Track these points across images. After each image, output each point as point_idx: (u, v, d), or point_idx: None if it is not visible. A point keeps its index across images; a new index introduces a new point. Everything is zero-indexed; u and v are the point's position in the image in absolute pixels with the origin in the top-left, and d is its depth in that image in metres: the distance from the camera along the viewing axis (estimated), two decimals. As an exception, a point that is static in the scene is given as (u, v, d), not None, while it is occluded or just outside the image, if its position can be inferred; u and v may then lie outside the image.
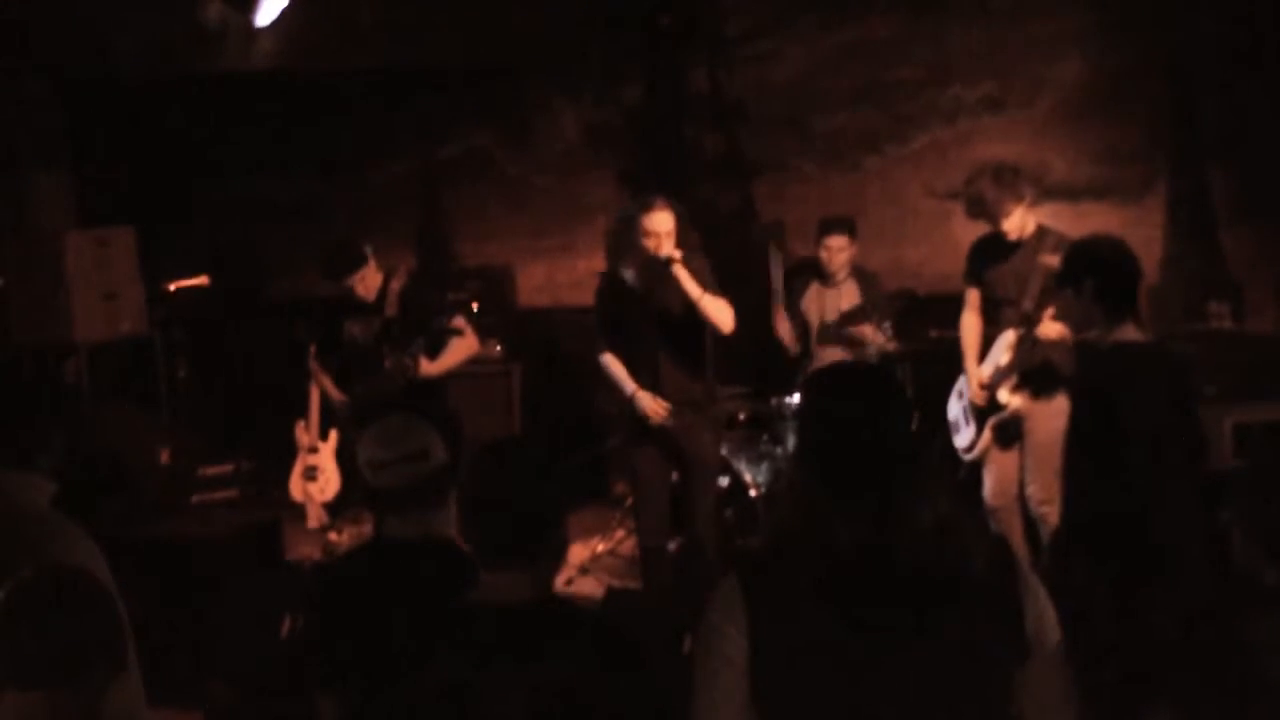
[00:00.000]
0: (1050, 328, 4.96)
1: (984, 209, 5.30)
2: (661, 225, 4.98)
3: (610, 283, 5.31)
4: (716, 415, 5.52)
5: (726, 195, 7.87)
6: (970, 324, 5.45)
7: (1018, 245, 5.18)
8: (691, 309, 5.08)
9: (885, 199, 7.50)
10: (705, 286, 5.08)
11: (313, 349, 6.06)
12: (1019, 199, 5.12)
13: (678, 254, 4.99)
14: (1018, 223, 5.15)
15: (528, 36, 7.77)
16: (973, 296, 5.44)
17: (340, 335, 5.77)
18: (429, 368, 5.53)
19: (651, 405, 5.15)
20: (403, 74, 7.99)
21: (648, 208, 5.01)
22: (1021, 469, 5.24)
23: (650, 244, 4.99)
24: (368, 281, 5.62)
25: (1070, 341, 4.78)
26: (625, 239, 5.13)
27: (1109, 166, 6.92)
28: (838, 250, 6.27)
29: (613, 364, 5.27)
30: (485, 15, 7.56)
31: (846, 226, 6.32)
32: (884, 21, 7.43)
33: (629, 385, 5.20)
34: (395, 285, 5.68)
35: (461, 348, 5.65)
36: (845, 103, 7.57)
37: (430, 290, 6.21)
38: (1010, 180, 5.14)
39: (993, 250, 5.29)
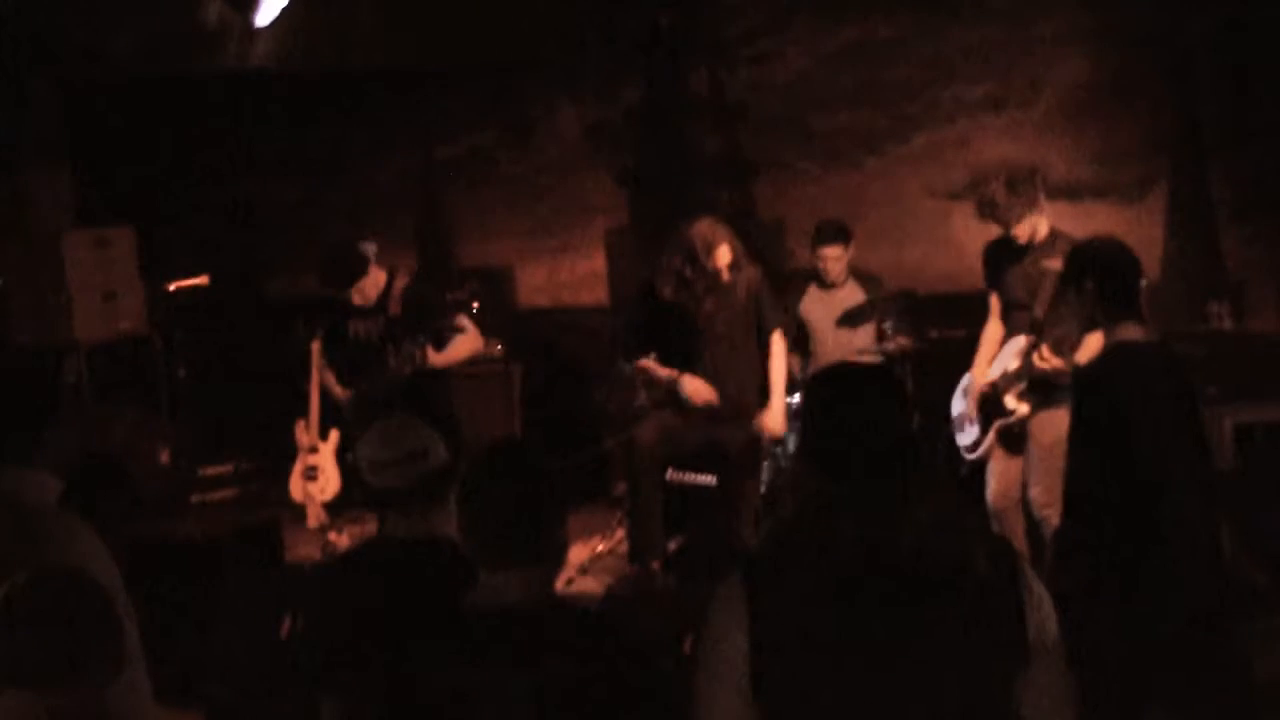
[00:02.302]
0: (1047, 360, 4.96)
1: (995, 214, 5.26)
2: (723, 259, 5.33)
3: (648, 298, 5.56)
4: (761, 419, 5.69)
5: (726, 195, 7.88)
6: (992, 333, 5.37)
7: (1029, 249, 5.15)
8: (741, 321, 5.42)
9: (885, 199, 7.50)
10: (765, 296, 5.51)
11: (316, 345, 6.07)
12: (1032, 206, 5.08)
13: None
14: (1029, 229, 5.12)
15: (528, 36, 7.76)
16: (994, 303, 5.37)
17: (345, 332, 5.78)
18: (435, 358, 5.52)
19: (697, 387, 5.36)
20: (403, 74, 7.98)
21: (712, 246, 5.30)
22: (1024, 471, 5.22)
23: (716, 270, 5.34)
24: (365, 290, 5.62)
25: (1066, 371, 4.80)
26: (674, 259, 5.40)
27: (1109, 166, 6.93)
28: (834, 260, 6.27)
29: (649, 364, 5.57)
30: (485, 15, 7.55)
31: (841, 235, 6.29)
32: (884, 21, 7.43)
33: (670, 372, 5.49)
34: (398, 284, 5.68)
35: (466, 344, 5.67)
36: (845, 103, 7.57)
37: (432, 290, 6.22)
38: (1024, 189, 5.08)
39: (1004, 254, 5.24)
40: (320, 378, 6.15)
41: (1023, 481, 5.23)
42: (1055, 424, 4.91)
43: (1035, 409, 5.13)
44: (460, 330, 5.64)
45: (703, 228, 5.32)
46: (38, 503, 2.58)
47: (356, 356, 5.75)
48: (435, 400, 5.54)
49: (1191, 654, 3.29)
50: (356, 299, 5.64)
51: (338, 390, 5.91)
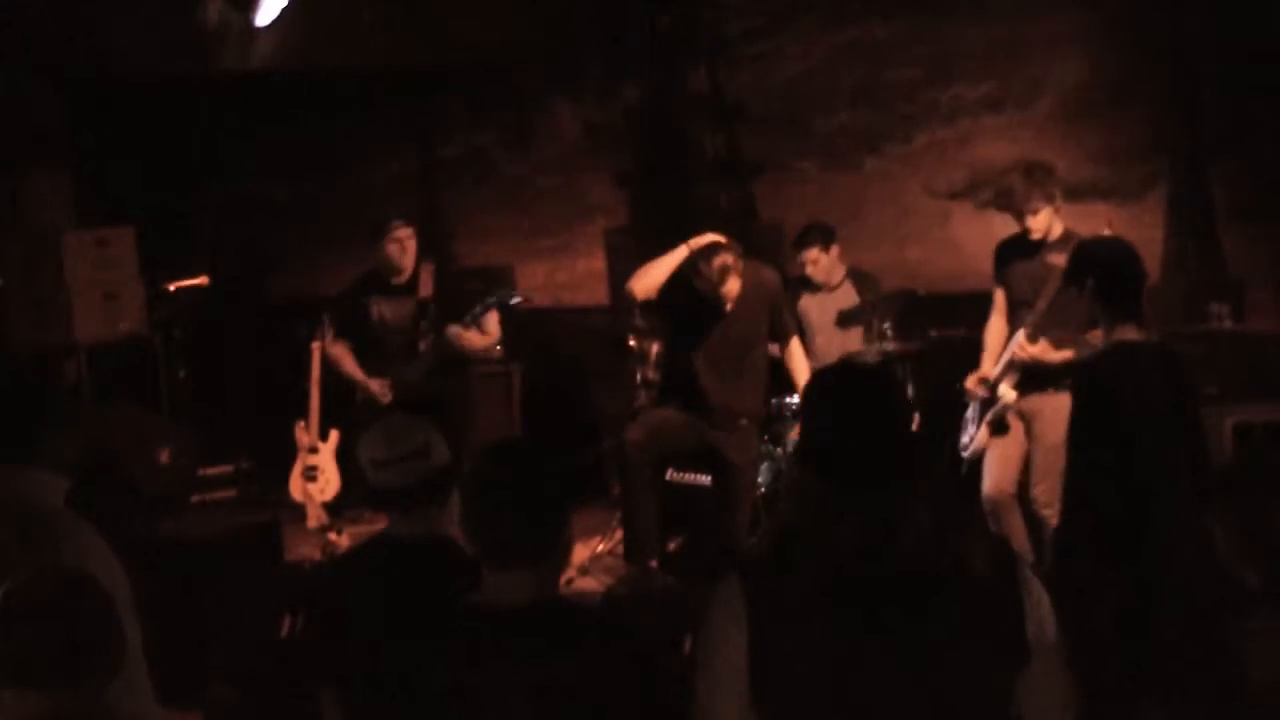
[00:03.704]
0: (1025, 350, 5.04)
1: (1011, 203, 5.30)
2: (730, 290, 5.36)
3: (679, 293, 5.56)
4: (759, 425, 5.75)
5: (726, 195, 7.87)
6: (994, 328, 5.40)
7: (1040, 247, 5.16)
8: (747, 326, 5.47)
9: (885, 199, 7.50)
10: (782, 303, 5.62)
11: (316, 346, 6.08)
12: (1048, 199, 5.10)
13: None
14: (1043, 223, 5.13)
15: (528, 36, 7.77)
16: (998, 298, 5.40)
17: (367, 317, 5.76)
18: (476, 340, 5.64)
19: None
20: (403, 74, 7.98)
21: (721, 278, 5.32)
22: (1024, 468, 5.23)
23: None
24: (405, 244, 5.69)
25: (1047, 360, 4.93)
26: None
27: (1109, 166, 6.92)
28: (811, 262, 6.27)
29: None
30: (486, 15, 7.56)
31: (819, 237, 6.27)
32: (884, 21, 7.43)
33: None
34: (425, 269, 5.74)
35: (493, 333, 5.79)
36: (845, 103, 7.57)
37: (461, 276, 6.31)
38: (1042, 179, 5.13)
39: (1015, 251, 5.27)
40: (339, 365, 6.04)
41: (1020, 476, 5.24)
42: (1059, 424, 4.92)
43: (1038, 407, 5.14)
44: (517, 300, 5.77)
45: (717, 261, 5.33)
46: (43, 503, 2.58)
47: (383, 341, 5.76)
48: (457, 390, 5.68)
49: (1186, 653, 3.30)
50: (394, 250, 5.66)
51: (361, 378, 5.84)
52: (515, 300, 5.70)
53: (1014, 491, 5.26)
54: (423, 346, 5.62)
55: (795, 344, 5.67)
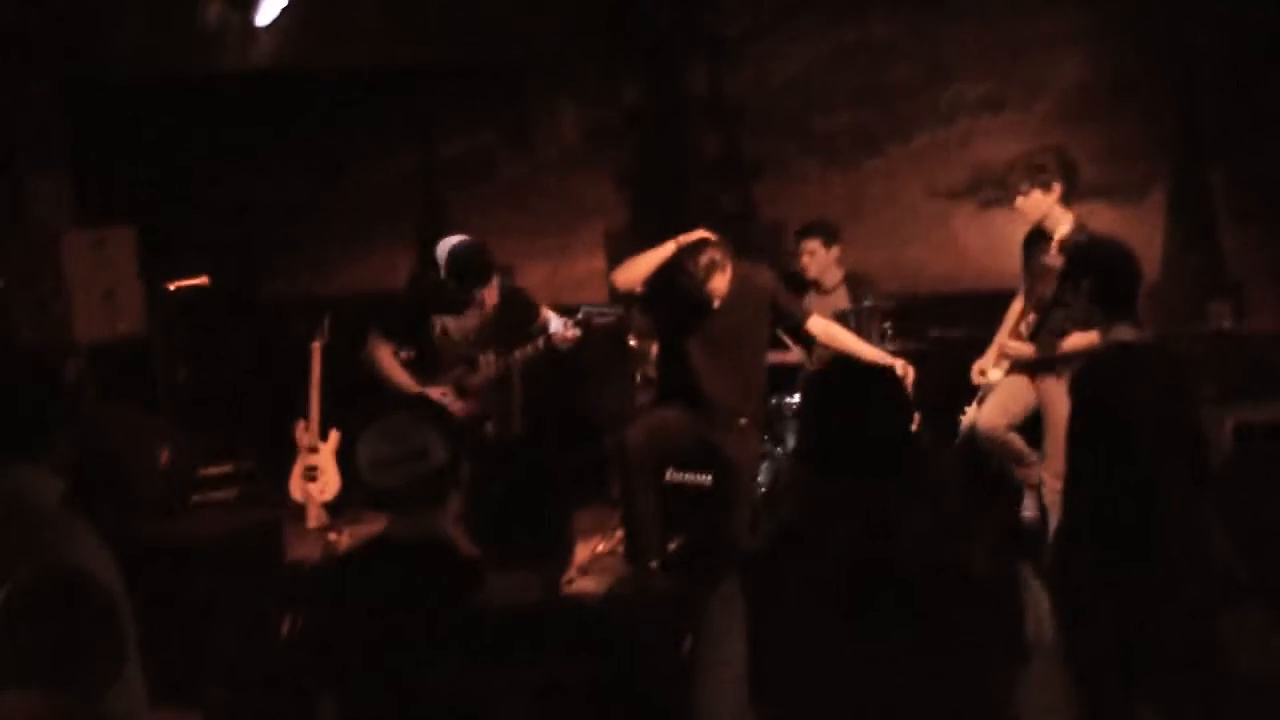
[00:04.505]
0: (1009, 347, 5.21)
1: (1005, 185, 5.37)
2: (718, 288, 5.34)
3: (668, 290, 5.53)
4: (759, 425, 5.72)
5: (726, 195, 7.88)
6: (1013, 310, 5.51)
7: (1046, 239, 5.19)
8: (741, 329, 5.45)
9: (885, 199, 7.50)
10: (781, 301, 5.55)
11: (316, 345, 6.05)
12: (1035, 184, 5.12)
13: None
14: (1034, 209, 5.16)
15: (528, 36, 7.77)
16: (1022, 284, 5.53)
17: (427, 329, 5.78)
18: (571, 335, 5.73)
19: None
20: (403, 74, 7.99)
21: (707, 277, 5.29)
22: (1009, 403, 5.35)
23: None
24: (492, 295, 5.76)
25: (1031, 356, 5.10)
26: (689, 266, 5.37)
27: (1109, 166, 6.92)
28: (809, 253, 6.27)
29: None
30: (485, 15, 7.56)
31: (822, 231, 6.28)
32: (884, 21, 7.43)
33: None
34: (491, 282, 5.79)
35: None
36: (845, 103, 7.57)
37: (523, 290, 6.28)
38: (1040, 164, 5.16)
39: (1033, 243, 5.35)
40: (386, 371, 5.85)
41: (1010, 411, 5.35)
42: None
43: (1050, 388, 5.19)
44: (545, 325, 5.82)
45: (703, 257, 5.32)
46: (39, 503, 2.58)
47: (442, 350, 5.80)
48: (515, 399, 5.99)
49: (1182, 649, 3.30)
50: (483, 299, 5.72)
51: (414, 384, 5.77)
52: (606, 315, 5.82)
53: (1004, 428, 5.38)
54: (482, 359, 5.65)
55: (815, 320, 5.60)
